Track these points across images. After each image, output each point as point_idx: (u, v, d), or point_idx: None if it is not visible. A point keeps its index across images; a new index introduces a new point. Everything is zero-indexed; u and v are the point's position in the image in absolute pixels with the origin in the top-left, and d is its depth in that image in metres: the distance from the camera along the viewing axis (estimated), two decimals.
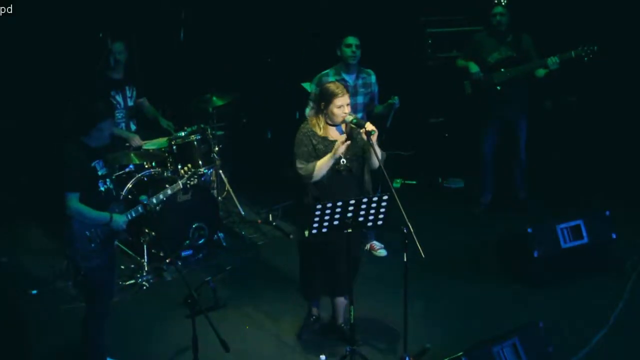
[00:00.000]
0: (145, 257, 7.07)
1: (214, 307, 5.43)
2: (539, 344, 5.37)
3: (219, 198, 8.05)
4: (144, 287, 6.82)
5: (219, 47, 9.20)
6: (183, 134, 7.57)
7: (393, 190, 5.16)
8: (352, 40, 6.72)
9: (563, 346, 5.65)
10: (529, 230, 6.50)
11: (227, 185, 8.23)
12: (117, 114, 7.45)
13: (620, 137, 8.87)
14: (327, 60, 6.92)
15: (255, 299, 6.59)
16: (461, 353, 5.06)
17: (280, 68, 9.43)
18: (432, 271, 6.71)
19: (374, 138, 5.28)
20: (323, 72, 6.83)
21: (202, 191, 7.43)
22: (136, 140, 7.42)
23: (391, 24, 9.34)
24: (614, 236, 6.70)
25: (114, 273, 5.61)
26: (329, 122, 5.54)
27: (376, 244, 7.34)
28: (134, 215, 5.33)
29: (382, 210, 5.25)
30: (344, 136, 5.46)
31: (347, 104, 5.47)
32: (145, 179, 7.32)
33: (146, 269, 7.01)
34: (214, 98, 7.93)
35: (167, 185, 5.73)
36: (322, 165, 5.41)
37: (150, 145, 7.55)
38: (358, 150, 5.56)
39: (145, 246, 7.09)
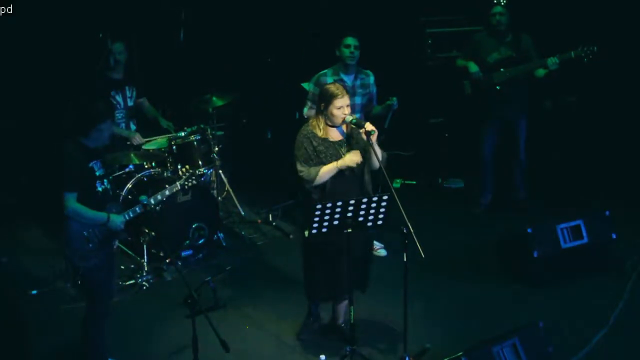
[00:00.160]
0: (145, 257, 7.08)
1: (214, 307, 5.42)
2: (539, 344, 5.36)
3: (219, 198, 8.05)
4: (144, 287, 6.82)
5: (218, 47, 9.20)
6: (183, 134, 7.57)
7: (393, 191, 5.17)
8: (350, 40, 6.71)
9: (563, 346, 5.64)
10: (529, 230, 6.50)
11: (227, 186, 8.23)
12: (117, 114, 7.45)
13: (620, 137, 8.86)
14: (327, 60, 6.92)
15: (255, 299, 6.59)
16: (461, 353, 5.06)
17: (280, 68, 9.43)
18: (432, 271, 6.70)
19: (374, 138, 5.29)
20: (321, 72, 6.83)
21: (202, 191, 7.42)
22: (137, 138, 7.42)
23: (391, 24, 9.34)
24: (614, 236, 6.70)
25: (113, 273, 5.60)
26: (329, 123, 5.54)
27: (376, 244, 7.33)
28: (131, 215, 5.33)
29: (382, 210, 5.27)
30: (357, 155, 5.46)
31: (347, 105, 5.48)
32: (145, 179, 7.32)
33: (146, 269, 7.01)
34: (214, 98, 7.93)
35: (166, 186, 5.74)
36: (324, 174, 5.44)
37: (150, 145, 7.56)
38: (359, 150, 5.56)
39: (145, 246, 7.09)
